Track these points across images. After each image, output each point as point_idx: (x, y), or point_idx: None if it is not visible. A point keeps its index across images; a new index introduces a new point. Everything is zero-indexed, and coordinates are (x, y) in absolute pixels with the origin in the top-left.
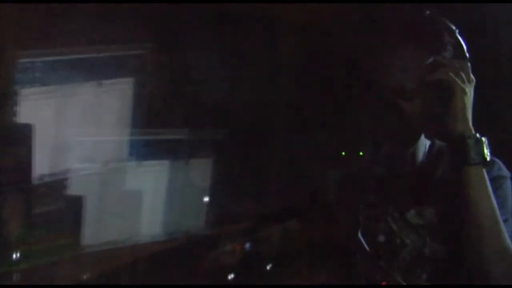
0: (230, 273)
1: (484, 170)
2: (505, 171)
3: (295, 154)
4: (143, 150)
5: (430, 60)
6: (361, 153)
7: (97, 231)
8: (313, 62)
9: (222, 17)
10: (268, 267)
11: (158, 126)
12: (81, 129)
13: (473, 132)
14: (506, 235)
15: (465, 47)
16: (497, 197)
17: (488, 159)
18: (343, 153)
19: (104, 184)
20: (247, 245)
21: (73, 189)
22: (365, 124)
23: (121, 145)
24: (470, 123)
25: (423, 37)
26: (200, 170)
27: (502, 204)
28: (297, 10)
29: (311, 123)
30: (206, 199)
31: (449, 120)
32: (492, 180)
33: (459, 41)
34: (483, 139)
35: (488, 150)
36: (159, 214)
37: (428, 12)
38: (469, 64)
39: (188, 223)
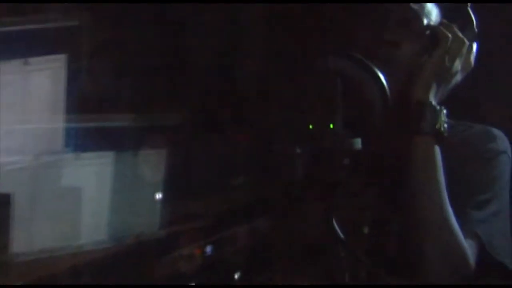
0: (188, 281)
1: (434, 143)
2: (502, 145)
3: (259, 135)
4: (82, 140)
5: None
6: (331, 126)
7: (29, 236)
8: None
9: None
10: (233, 274)
11: (98, 112)
12: (6, 116)
13: (431, 100)
14: (454, 227)
15: (474, 27)
16: (483, 171)
17: (443, 132)
18: (310, 126)
19: (36, 180)
20: (208, 249)
21: (0, 187)
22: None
23: (55, 134)
24: (432, 92)
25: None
26: (151, 162)
27: (488, 181)
28: None
29: (274, 95)
30: (158, 196)
31: (411, 82)
32: (484, 151)
33: (470, 19)
34: (441, 108)
35: (445, 122)
36: (103, 215)
37: None
38: (469, 43)
39: (138, 225)
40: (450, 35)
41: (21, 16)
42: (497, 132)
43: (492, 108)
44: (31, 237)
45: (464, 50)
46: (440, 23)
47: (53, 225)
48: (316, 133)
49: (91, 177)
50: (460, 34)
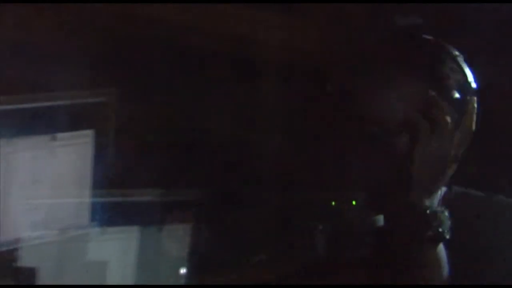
0: None
1: (434, 248)
2: None
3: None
4: (107, 215)
5: (424, 95)
6: (354, 202)
7: None
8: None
9: (193, 60)
10: None
11: (124, 187)
12: (33, 190)
13: (427, 205)
14: None
15: (470, 82)
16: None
17: (442, 236)
18: (333, 203)
19: (62, 254)
20: None
21: (26, 261)
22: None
23: (81, 208)
24: (426, 195)
25: (421, 67)
26: (174, 238)
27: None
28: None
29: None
30: (181, 271)
31: (401, 186)
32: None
33: (463, 73)
34: (440, 211)
35: (445, 225)
36: None
37: (429, 38)
38: (469, 108)
39: None
40: (427, 126)
41: (48, 92)
42: None
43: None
44: None
45: (453, 129)
46: (421, 105)
47: None
48: (339, 210)
49: (117, 252)
50: (445, 113)
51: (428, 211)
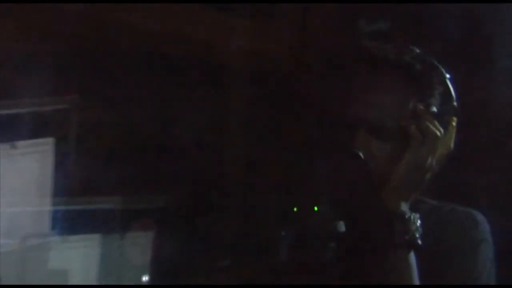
0: None
1: (405, 254)
2: (483, 232)
3: (245, 218)
4: (69, 223)
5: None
6: (315, 208)
7: None
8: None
9: (157, 66)
10: None
11: (85, 195)
12: None
13: (402, 210)
14: None
15: (454, 101)
16: (466, 266)
17: (415, 242)
18: (295, 209)
19: (23, 263)
20: None
21: None
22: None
23: (42, 217)
24: (403, 201)
25: (407, 76)
26: (138, 245)
27: (470, 277)
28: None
29: (259, 177)
30: (144, 278)
31: (380, 190)
32: (466, 242)
33: (448, 91)
34: (414, 217)
35: (418, 231)
36: None
37: (418, 51)
38: (450, 127)
39: None
40: (420, 136)
41: (9, 100)
42: (479, 217)
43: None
44: None
45: (438, 143)
46: (412, 116)
47: None
48: (301, 216)
49: (78, 260)
50: (433, 126)
51: (406, 216)
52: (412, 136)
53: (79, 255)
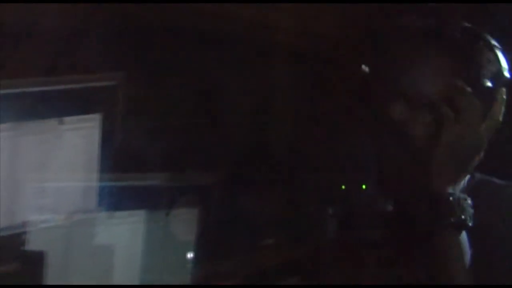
0: None
1: (455, 235)
2: None
3: (292, 196)
4: (116, 199)
5: (452, 83)
6: (363, 186)
7: None
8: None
9: (205, 43)
10: None
11: (132, 171)
12: (40, 175)
13: (450, 192)
14: None
15: (503, 71)
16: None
17: (465, 223)
18: (343, 187)
19: (69, 238)
20: None
21: (32, 245)
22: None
23: (89, 193)
24: (450, 182)
25: (449, 48)
26: (184, 222)
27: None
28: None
29: (306, 155)
30: (189, 255)
31: (425, 172)
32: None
33: (496, 61)
34: (463, 198)
35: (468, 213)
36: (136, 274)
37: (467, 26)
38: (498, 98)
39: (170, 283)
40: (450, 113)
41: (56, 76)
42: None
43: None
44: None
45: (476, 119)
46: (445, 91)
47: (86, 283)
48: (348, 194)
49: (124, 236)
50: (470, 101)
51: (451, 198)
52: (442, 113)
53: (125, 231)
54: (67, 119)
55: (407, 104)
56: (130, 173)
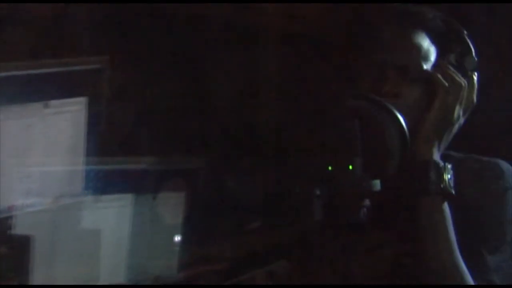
0: None
1: (441, 202)
2: (509, 181)
3: (278, 177)
4: (102, 183)
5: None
6: (350, 167)
7: (48, 278)
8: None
9: (191, 26)
10: None
11: (118, 155)
12: (26, 159)
13: (434, 159)
14: (464, 275)
15: (473, 56)
16: (493, 213)
17: (449, 191)
18: (330, 168)
19: (55, 222)
20: None
21: (19, 229)
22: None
23: (74, 176)
24: (435, 149)
25: (430, 31)
26: (170, 206)
27: (498, 223)
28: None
29: (292, 137)
30: (176, 238)
31: (412, 139)
32: (492, 190)
33: (467, 47)
34: (446, 166)
35: (451, 179)
36: (122, 257)
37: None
38: (468, 78)
39: (156, 267)
40: (445, 84)
41: (41, 59)
42: (505, 166)
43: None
44: (50, 279)
45: (464, 93)
46: (436, 67)
47: (72, 267)
48: (335, 174)
49: (110, 220)
50: (457, 77)
51: (440, 165)
52: (438, 84)
53: (111, 215)
54: (52, 102)
55: (401, 78)
56: (116, 156)
